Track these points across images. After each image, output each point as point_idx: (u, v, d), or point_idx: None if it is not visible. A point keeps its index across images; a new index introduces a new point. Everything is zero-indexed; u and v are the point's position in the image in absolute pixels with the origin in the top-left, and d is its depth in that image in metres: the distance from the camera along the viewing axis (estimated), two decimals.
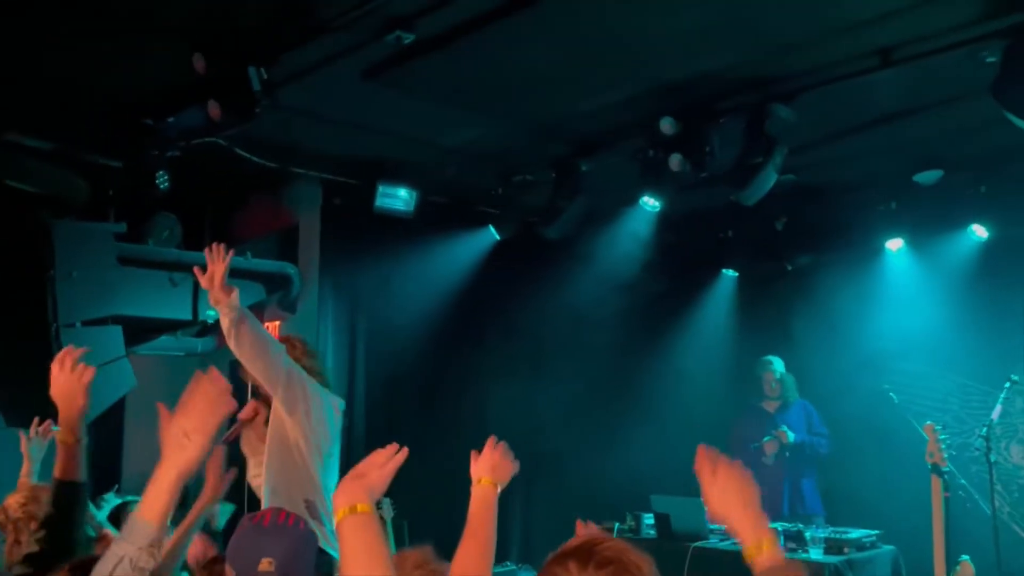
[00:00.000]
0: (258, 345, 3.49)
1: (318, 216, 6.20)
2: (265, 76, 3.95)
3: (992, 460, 4.76)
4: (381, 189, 5.73)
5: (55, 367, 2.37)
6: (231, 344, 3.49)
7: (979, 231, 6.03)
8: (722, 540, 5.09)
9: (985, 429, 4.72)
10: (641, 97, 5.13)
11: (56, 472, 2.44)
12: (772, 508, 5.74)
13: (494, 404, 6.57)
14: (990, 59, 4.31)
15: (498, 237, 6.49)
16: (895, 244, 6.37)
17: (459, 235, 6.59)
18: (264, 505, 3.62)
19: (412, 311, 6.37)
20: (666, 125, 5.09)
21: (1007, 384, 4.88)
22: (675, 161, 5.19)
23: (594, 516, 5.54)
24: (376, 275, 6.35)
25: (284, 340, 3.82)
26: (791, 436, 5.82)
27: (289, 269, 6.19)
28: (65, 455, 2.41)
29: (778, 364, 6.13)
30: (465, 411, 6.42)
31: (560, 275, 6.82)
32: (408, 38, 4.11)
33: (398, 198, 5.88)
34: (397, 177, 5.89)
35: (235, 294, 3.41)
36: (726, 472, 1.87)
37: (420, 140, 5.67)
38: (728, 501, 1.82)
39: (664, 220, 6.30)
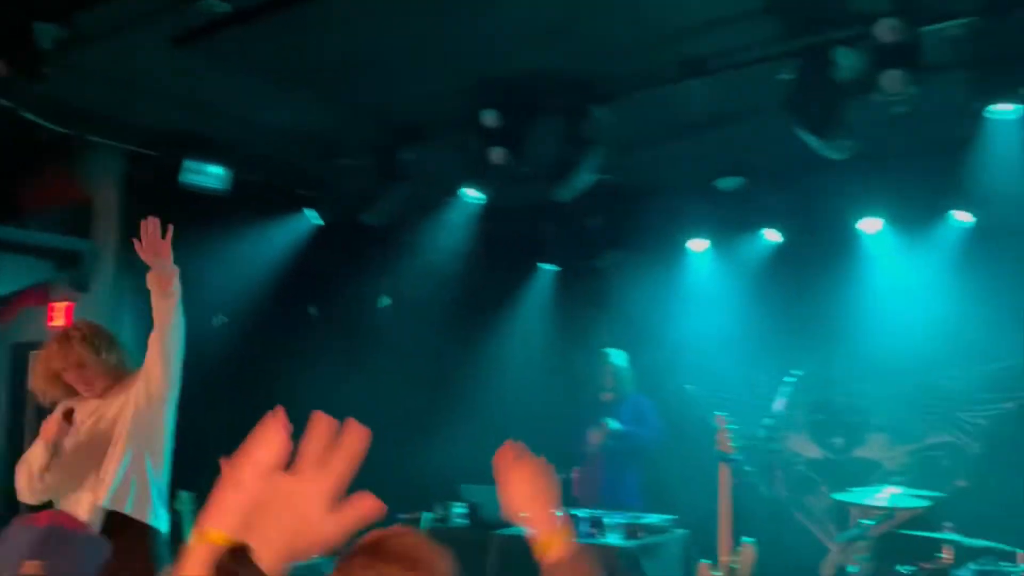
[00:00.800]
0: (181, 324, 3.56)
1: (116, 189, 5.77)
2: (56, 34, 3.61)
3: (774, 449, 5.14)
4: (187, 164, 5.41)
5: None
6: (168, 326, 3.50)
7: (771, 236, 6.49)
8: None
9: (769, 420, 5.09)
10: (465, 88, 5.14)
11: None
12: (590, 496, 5.94)
13: (308, 393, 6.35)
14: (785, 76, 4.64)
15: (318, 222, 6.30)
16: (699, 245, 6.75)
17: (277, 218, 6.34)
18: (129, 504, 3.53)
19: (224, 294, 6.07)
20: (489, 118, 5.14)
21: (789, 379, 5.28)
22: (496, 154, 5.25)
23: (405, 507, 5.54)
24: (185, 255, 5.98)
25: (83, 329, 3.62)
26: (612, 425, 5.95)
27: (81, 244, 5.73)
28: None
29: (615, 357, 6.23)
30: (279, 400, 6.17)
31: (382, 264, 6.73)
32: (222, 7, 3.90)
33: (208, 175, 5.58)
34: (208, 153, 5.58)
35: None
36: (524, 467, 1.89)
37: (234, 116, 5.41)
38: (523, 496, 1.85)
39: (486, 213, 6.35)
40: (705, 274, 6.78)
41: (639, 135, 5.65)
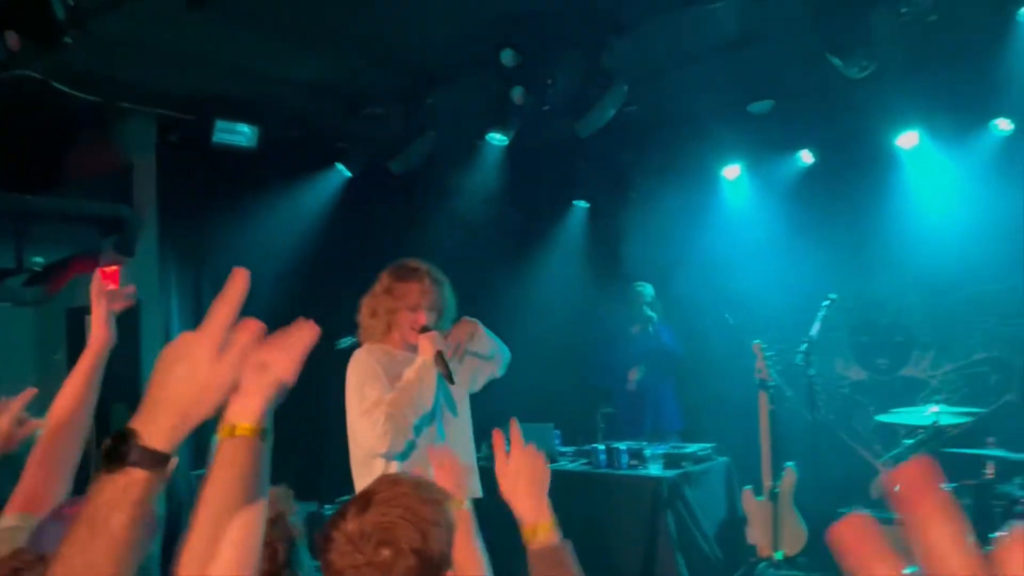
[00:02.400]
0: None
1: (153, 155, 5.89)
2: (71, 2, 3.67)
3: (812, 373, 5.12)
4: (219, 124, 5.50)
5: None
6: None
7: (806, 157, 6.37)
8: (571, 462, 5.35)
9: (805, 345, 5.06)
10: (483, 29, 5.10)
11: None
12: (636, 427, 6.04)
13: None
14: None
15: (348, 174, 6.35)
16: (732, 172, 6.65)
17: (307, 173, 6.41)
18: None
19: (260, 252, 6.19)
20: (507, 57, 5.09)
21: (825, 302, 5.23)
22: (517, 94, 5.22)
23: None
24: (220, 215, 6.12)
25: None
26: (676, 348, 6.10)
27: (124, 211, 5.88)
28: None
29: (644, 288, 6.35)
30: (318, 356, 6.35)
31: (413, 213, 6.77)
32: None
33: (239, 133, 5.66)
34: (236, 112, 5.65)
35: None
36: (518, 455, 1.91)
37: (257, 74, 5.44)
38: (516, 483, 1.87)
39: (514, 154, 6.32)
40: (740, 200, 6.69)
41: (665, 63, 5.54)
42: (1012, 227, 5.45)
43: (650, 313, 6.26)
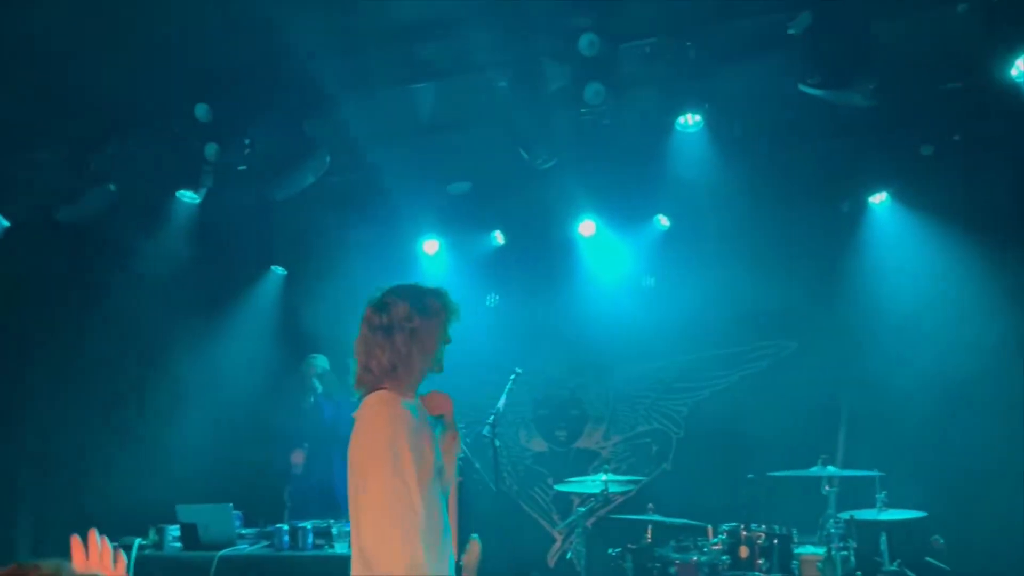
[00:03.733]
0: None
1: None
2: None
3: (497, 445, 5.30)
4: None
5: None
6: None
7: (499, 237, 6.73)
8: (251, 545, 5.00)
9: (492, 417, 5.24)
10: (178, 80, 4.84)
11: None
12: (305, 506, 5.80)
13: (19, 410, 5.76)
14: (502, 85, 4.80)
15: (5, 223, 5.63)
16: (431, 246, 6.81)
17: None
18: None
19: None
20: (202, 112, 4.86)
21: (511, 376, 5.47)
22: (211, 151, 4.99)
23: (115, 532, 5.08)
24: None
25: None
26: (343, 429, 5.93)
27: None
28: None
29: (321, 361, 6.25)
30: None
31: (89, 268, 6.15)
32: None
33: None
34: None
35: None
36: None
37: None
38: None
39: (209, 214, 5.98)
40: (438, 274, 6.85)
41: (367, 137, 5.59)
42: (670, 311, 6.11)
43: (317, 385, 6.19)
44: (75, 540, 1.98)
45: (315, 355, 6.29)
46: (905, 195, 5.68)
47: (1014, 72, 4.21)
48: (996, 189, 5.21)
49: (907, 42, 4.32)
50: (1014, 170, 5.14)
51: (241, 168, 5.01)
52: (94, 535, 1.99)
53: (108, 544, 2.02)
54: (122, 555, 2.01)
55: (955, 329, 5.38)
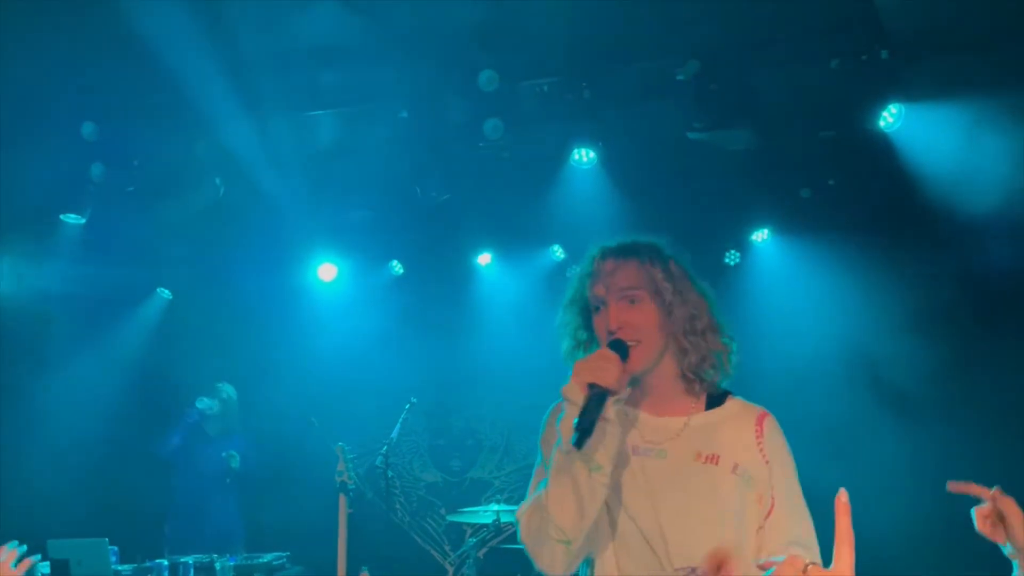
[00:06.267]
0: None
1: None
2: None
3: (390, 475, 5.27)
4: None
5: None
6: None
7: (397, 267, 6.73)
8: None
9: (385, 447, 5.21)
10: (63, 98, 4.68)
11: None
12: (192, 539, 5.60)
13: None
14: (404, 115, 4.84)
15: None
16: (328, 272, 6.74)
17: None
18: None
19: None
20: (88, 130, 4.72)
21: (406, 405, 5.46)
22: (97, 171, 4.84)
23: None
24: None
25: None
26: (233, 463, 5.80)
27: None
28: None
29: (225, 391, 6.06)
30: None
31: None
32: None
33: None
34: None
35: None
36: None
37: None
38: None
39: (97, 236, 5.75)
40: (335, 303, 6.79)
41: (259, 161, 5.51)
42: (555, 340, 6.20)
43: (213, 406, 6.00)
44: None
45: (221, 384, 6.10)
46: (785, 232, 5.98)
47: (881, 123, 4.54)
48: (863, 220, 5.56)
49: (787, 93, 4.61)
50: (880, 204, 5.48)
51: (130, 189, 4.87)
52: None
53: (14, 548, 2.05)
54: (29, 559, 2.05)
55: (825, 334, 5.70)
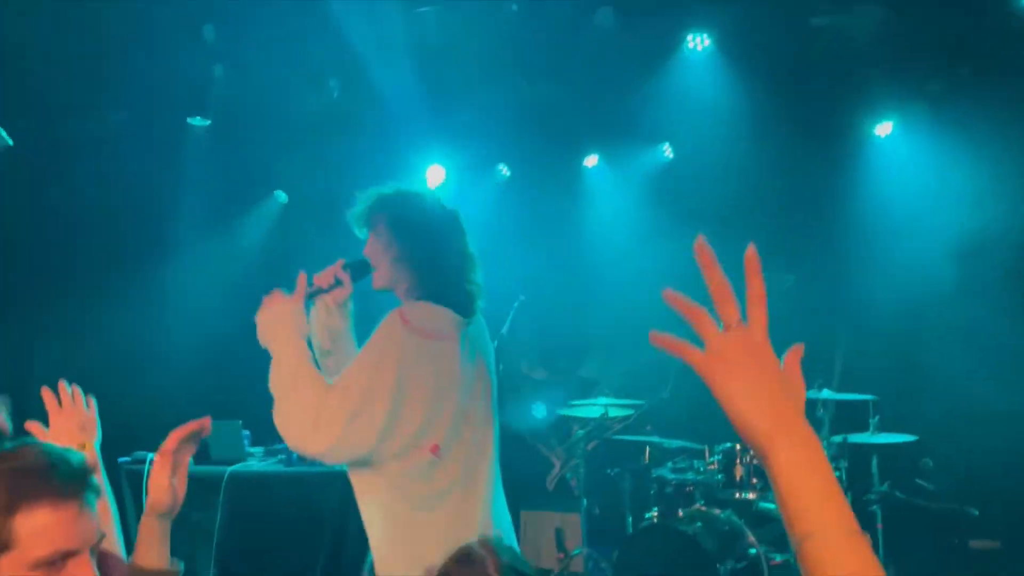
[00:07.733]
0: None
1: None
2: None
3: (500, 368, 5.37)
4: None
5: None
6: None
7: (504, 171, 6.74)
8: (261, 461, 5.15)
9: (496, 342, 5.29)
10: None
11: None
12: None
13: None
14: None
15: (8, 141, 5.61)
16: (436, 177, 6.83)
17: None
18: None
19: None
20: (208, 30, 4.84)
21: (515, 303, 5.51)
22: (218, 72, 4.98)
23: (118, 447, 5.17)
24: None
25: None
26: None
27: None
28: None
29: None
30: None
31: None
32: None
33: None
34: None
35: None
36: None
37: None
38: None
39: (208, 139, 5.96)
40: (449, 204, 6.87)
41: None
42: (671, 244, 6.14)
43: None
44: (46, 392, 2.05)
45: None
46: (911, 126, 5.66)
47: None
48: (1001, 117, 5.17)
49: None
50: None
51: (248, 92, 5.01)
52: (63, 384, 2.09)
53: (79, 390, 2.12)
54: (92, 400, 2.11)
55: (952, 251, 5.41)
